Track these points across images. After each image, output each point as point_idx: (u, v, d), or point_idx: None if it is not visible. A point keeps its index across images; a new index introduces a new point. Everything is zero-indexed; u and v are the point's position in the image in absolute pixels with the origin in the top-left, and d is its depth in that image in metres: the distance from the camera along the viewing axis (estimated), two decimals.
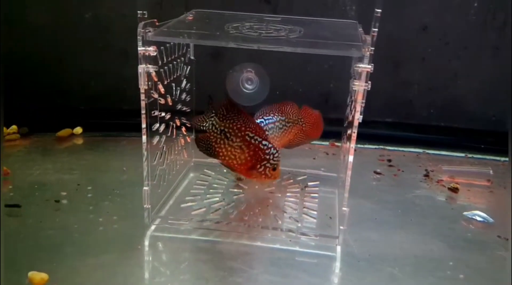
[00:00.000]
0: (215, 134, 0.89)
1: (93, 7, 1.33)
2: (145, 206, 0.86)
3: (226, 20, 0.94)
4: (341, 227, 0.83)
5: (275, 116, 0.99)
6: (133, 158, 1.20)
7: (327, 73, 1.41)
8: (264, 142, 0.88)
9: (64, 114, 1.38)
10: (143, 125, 0.82)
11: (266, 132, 0.93)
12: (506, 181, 1.16)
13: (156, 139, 0.88)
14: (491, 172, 1.15)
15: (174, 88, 0.97)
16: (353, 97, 0.86)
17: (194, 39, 0.77)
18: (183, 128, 1.03)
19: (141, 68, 0.79)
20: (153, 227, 0.88)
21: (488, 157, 1.34)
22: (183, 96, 1.03)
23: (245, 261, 0.80)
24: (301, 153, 1.29)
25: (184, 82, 1.03)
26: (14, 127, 1.31)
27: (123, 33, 1.35)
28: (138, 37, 0.77)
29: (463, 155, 1.35)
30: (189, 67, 1.05)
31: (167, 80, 0.92)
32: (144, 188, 0.85)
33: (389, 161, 1.28)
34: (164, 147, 0.92)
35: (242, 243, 0.85)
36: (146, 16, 0.78)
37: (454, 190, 1.09)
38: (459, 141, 1.41)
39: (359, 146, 1.39)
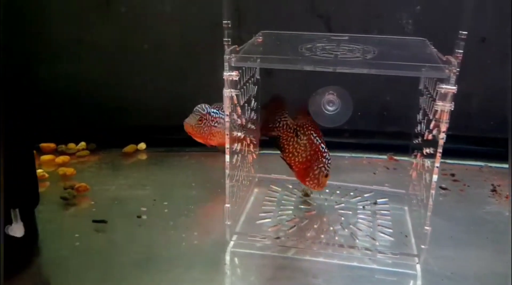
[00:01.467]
0: (287, 133, 0.97)
1: (153, 29, 1.38)
2: (226, 222, 0.89)
3: (296, 41, 0.97)
4: (423, 246, 0.83)
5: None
6: (197, 172, 1.25)
7: (383, 86, 1.41)
8: (322, 145, 0.95)
9: (127, 131, 1.44)
10: (227, 146, 0.85)
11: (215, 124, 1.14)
12: None
13: (235, 158, 0.91)
14: None
15: (246, 108, 1.00)
16: (430, 116, 0.87)
17: (279, 64, 0.80)
18: (252, 146, 1.06)
19: (227, 92, 0.82)
20: (231, 243, 0.91)
21: None
22: (252, 115, 1.06)
23: (327, 279, 0.82)
24: (360, 168, 1.30)
25: (253, 101, 1.07)
26: (83, 144, 1.38)
27: (180, 52, 1.41)
28: (225, 63, 0.80)
29: None
30: (256, 86, 1.08)
31: (242, 101, 0.95)
32: (226, 205, 0.89)
33: (453, 175, 1.27)
34: (240, 165, 0.95)
35: (319, 261, 0.86)
36: (230, 43, 0.82)
37: None
38: None
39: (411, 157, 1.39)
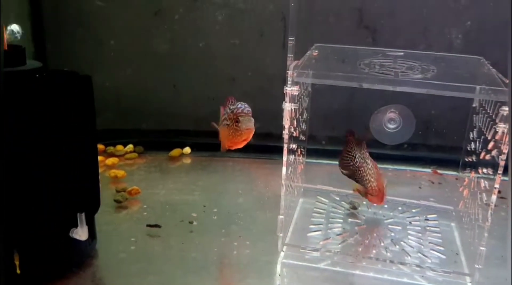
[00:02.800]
0: (361, 163, 1.00)
1: (203, 36, 1.41)
2: (279, 234, 0.91)
3: (352, 56, 0.98)
4: (477, 266, 0.83)
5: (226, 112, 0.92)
6: (243, 179, 1.28)
7: (427, 99, 1.41)
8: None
9: (175, 135, 1.48)
10: (284, 158, 0.87)
11: None
12: None
13: (290, 170, 0.93)
14: None
15: (300, 120, 1.01)
16: (488, 136, 0.87)
17: (343, 81, 0.81)
18: (301, 156, 1.08)
19: (288, 106, 0.84)
20: (282, 254, 0.93)
21: None
22: (303, 126, 1.08)
23: None
24: (404, 181, 1.30)
25: (305, 113, 1.08)
26: (130, 146, 1.42)
27: (230, 61, 1.44)
28: (288, 78, 0.82)
29: None
30: (308, 98, 1.10)
31: (297, 114, 0.97)
32: (280, 216, 0.90)
33: (499, 192, 1.25)
34: (292, 176, 0.97)
35: (369, 276, 0.88)
36: (292, 58, 0.83)
37: None
38: None
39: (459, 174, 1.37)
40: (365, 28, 1.38)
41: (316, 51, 1.04)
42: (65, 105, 0.79)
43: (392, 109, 0.81)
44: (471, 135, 1.01)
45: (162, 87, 1.46)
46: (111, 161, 1.33)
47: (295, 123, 0.93)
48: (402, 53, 1.01)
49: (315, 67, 0.87)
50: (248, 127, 0.85)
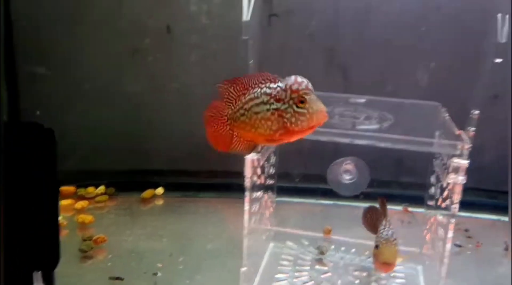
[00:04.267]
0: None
1: (177, 76, 1.43)
2: None
3: None
4: None
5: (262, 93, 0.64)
6: (215, 221, 1.27)
7: None
8: None
9: (148, 175, 1.48)
10: (246, 207, 0.87)
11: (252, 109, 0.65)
12: None
13: (253, 219, 0.93)
14: None
15: (266, 166, 1.02)
16: (442, 182, 0.89)
17: None
18: (269, 201, 1.09)
19: (248, 156, 0.85)
20: None
21: None
22: (271, 170, 1.09)
23: None
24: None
25: (273, 157, 1.09)
26: (102, 188, 1.41)
27: (204, 100, 1.45)
28: None
29: None
30: None
31: (262, 161, 0.98)
32: (242, 269, 0.90)
33: (466, 230, 1.27)
34: (258, 222, 0.97)
35: None
36: None
37: None
38: None
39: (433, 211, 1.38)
40: (336, 67, 1.41)
41: None
42: (25, 159, 0.79)
43: (348, 161, 0.82)
44: (431, 180, 1.03)
45: (136, 126, 1.47)
46: (80, 204, 1.31)
47: (259, 171, 0.94)
48: (363, 101, 1.04)
49: None
50: (321, 109, 0.61)
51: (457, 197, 0.79)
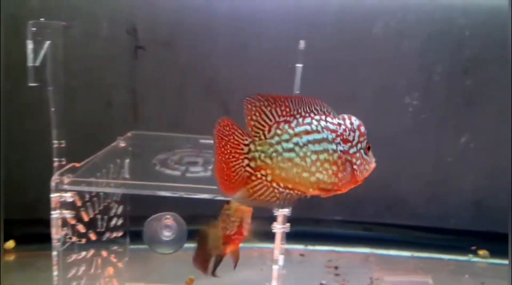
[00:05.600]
0: None
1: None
2: None
3: (159, 148, 0.94)
4: None
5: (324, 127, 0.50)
6: None
7: None
8: None
9: None
10: (54, 273, 0.77)
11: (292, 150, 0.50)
12: None
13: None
14: (430, 281, 1.15)
15: (101, 218, 0.93)
16: None
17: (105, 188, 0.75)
18: (113, 256, 0.99)
19: (55, 215, 0.75)
20: None
21: (434, 255, 1.34)
22: (113, 221, 0.99)
23: None
24: (245, 261, 1.24)
25: (116, 206, 1.00)
26: None
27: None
28: (52, 184, 0.74)
29: (409, 254, 1.34)
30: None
31: (93, 213, 0.88)
32: None
33: (336, 268, 1.25)
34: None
35: None
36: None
37: None
38: (405, 239, 1.41)
39: (309, 247, 1.36)
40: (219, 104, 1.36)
41: (125, 143, 0.99)
42: None
43: (168, 216, 0.76)
44: None
45: None
46: None
47: (83, 228, 0.84)
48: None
49: (93, 170, 0.81)
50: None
51: (278, 248, 0.75)
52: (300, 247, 1.33)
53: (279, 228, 0.74)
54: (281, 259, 0.77)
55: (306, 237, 1.37)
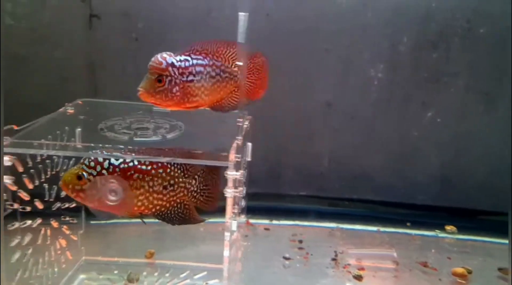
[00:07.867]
0: None
1: None
2: None
3: (107, 115, 0.90)
4: None
5: (208, 59, 0.77)
6: None
7: None
8: None
9: None
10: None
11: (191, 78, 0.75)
12: (412, 261, 1.15)
13: (16, 256, 0.78)
14: (395, 254, 1.14)
15: (48, 187, 0.88)
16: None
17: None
18: (65, 227, 0.95)
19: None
20: None
21: (400, 230, 1.34)
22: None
23: None
24: (211, 236, 1.22)
25: None
26: None
27: None
28: None
29: (375, 229, 1.34)
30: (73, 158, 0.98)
31: (38, 180, 0.84)
32: None
33: (300, 241, 1.23)
34: (31, 260, 0.82)
35: None
36: None
37: (359, 278, 1.06)
38: (371, 214, 1.41)
39: (274, 222, 1.35)
40: None
41: (73, 109, 0.94)
42: None
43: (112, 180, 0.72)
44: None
45: None
46: None
47: (27, 196, 0.79)
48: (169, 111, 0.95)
49: (35, 134, 0.77)
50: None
51: (230, 212, 0.72)
52: (265, 221, 1.32)
53: (230, 192, 0.71)
54: (234, 225, 0.74)
55: (271, 212, 1.35)
